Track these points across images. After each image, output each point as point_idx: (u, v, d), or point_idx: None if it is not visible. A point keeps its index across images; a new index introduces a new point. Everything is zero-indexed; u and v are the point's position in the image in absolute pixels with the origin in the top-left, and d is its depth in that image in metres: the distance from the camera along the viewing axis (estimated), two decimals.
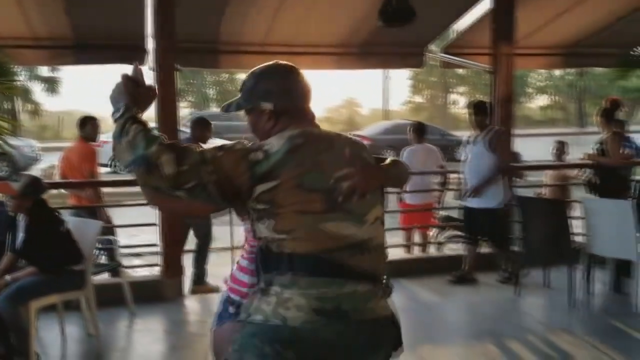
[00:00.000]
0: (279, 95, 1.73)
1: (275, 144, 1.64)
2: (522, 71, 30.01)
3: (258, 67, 1.80)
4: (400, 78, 59.01)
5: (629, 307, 4.58)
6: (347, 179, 1.64)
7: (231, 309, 2.02)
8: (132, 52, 5.39)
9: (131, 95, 1.66)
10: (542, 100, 35.46)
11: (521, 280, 5.02)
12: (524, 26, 5.88)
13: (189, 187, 1.56)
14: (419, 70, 30.82)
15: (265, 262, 1.65)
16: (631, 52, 6.14)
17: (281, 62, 1.80)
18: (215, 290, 4.91)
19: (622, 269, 5.03)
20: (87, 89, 43.91)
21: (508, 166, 5.43)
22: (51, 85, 24.97)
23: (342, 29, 5.98)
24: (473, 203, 5.27)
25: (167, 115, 4.97)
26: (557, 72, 32.06)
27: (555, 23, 6.41)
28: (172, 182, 1.55)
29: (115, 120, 1.62)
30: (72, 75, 46.41)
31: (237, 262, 2.17)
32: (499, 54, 5.70)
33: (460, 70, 30.16)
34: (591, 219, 4.75)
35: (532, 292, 5.06)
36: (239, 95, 1.81)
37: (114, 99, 1.67)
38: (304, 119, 1.75)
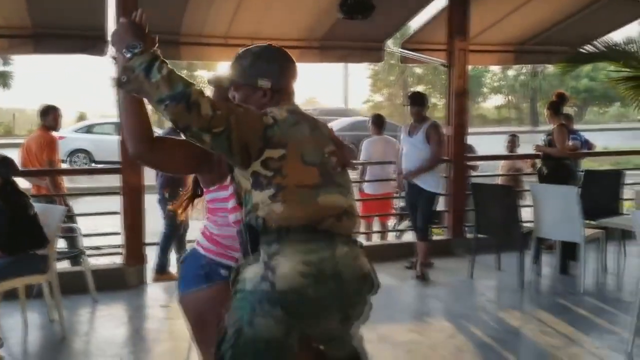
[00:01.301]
0: (276, 75, 1.88)
1: (277, 113, 1.80)
2: (478, 71, 30.79)
3: (254, 46, 1.94)
4: (360, 77, 59.59)
5: (575, 287, 4.87)
6: (335, 154, 1.88)
7: (223, 272, 1.97)
8: (93, 42, 5.39)
9: (140, 37, 1.72)
10: (496, 100, 36.43)
11: (474, 264, 5.26)
12: (477, 23, 6.14)
13: (217, 131, 1.66)
14: (378, 70, 31.23)
15: (256, 232, 1.76)
16: (579, 50, 6.44)
17: (274, 45, 1.96)
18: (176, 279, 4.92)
19: (568, 252, 5.34)
20: (41, 85, 42.58)
21: (442, 159, 5.59)
22: (3, 79, 24.21)
23: (304, 22, 6.10)
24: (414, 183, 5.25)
25: None
26: (511, 73, 33.04)
27: (507, 20, 6.68)
28: (206, 124, 1.65)
29: (133, 56, 1.67)
30: (25, 70, 44.81)
31: (210, 229, 2.08)
32: (454, 49, 5.93)
33: (418, 70, 30.75)
34: (539, 205, 5.02)
35: (484, 275, 5.31)
36: (230, 72, 1.92)
37: (119, 39, 1.73)
38: (291, 98, 1.94)
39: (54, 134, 5.36)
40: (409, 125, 5.45)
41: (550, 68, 33.20)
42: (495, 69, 32.84)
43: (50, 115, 5.23)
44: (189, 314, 2.06)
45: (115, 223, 5.26)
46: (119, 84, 1.70)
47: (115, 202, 5.17)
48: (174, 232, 5.29)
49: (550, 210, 4.96)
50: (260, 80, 1.86)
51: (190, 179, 2.25)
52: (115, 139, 15.71)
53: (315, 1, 5.78)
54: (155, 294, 4.93)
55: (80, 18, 5.28)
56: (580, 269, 4.86)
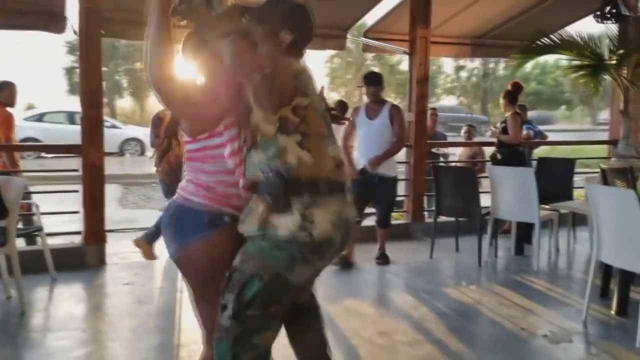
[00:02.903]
0: (299, 34, 1.96)
1: (294, 63, 1.94)
2: (432, 72, 31.37)
3: None
4: (318, 75, 59.52)
5: (530, 266, 5.10)
6: (328, 109, 2.07)
7: (226, 219, 1.94)
8: (51, 18, 5.25)
9: None
10: (449, 101, 37.22)
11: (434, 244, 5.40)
12: (437, 16, 6.29)
13: (266, 72, 1.80)
14: (335, 67, 31.42)
15: (284, 180, 1.83)
16: (533, 44, 6.67)
17: (308, 5, 2.01)
18: (153, 258, 4.84)
19: (524, 235, 5.56)
20: None
21: (405, 143, 5.48)
22: None
23: None
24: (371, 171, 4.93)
25: (92, 86, 4.89)
26: (464, 74, 33.84)
27: (465, 14, 6.87)
28: (260, 63, 1.81)
29: None
30: None
31: (200, 178, 1.99)
32: (416, 37, 6.06)
33: (375, 69, 31.07)
34: (496, 187, 5.20)
35: (443, 256, 5.45)
36: (260, 8, 1.92)
37: None
38: (299, 56, 2.02)
39: (10, 109, 5.18)
40: (365, 107, 5.09)
41: (501, 70, 34.27)
42: (449, 70, 33.60)
43: (5, 90, 5.06)
44: (191, 266, 1.98)
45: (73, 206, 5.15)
46: (176, 11, 1.76)
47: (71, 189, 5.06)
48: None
49: (507, 192, 5.14)
50: (283, 32, 1.92)
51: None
52: (68, 128, 15.61)
53: None
54: (117, 272, 4.83)
55: None
56: (535, 247, 5.06)
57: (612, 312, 3.89)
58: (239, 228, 1.95)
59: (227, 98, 1.95)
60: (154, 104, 31.47)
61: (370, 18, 7.33)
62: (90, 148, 4.90)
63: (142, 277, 4.70)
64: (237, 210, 1.95)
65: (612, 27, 6.50)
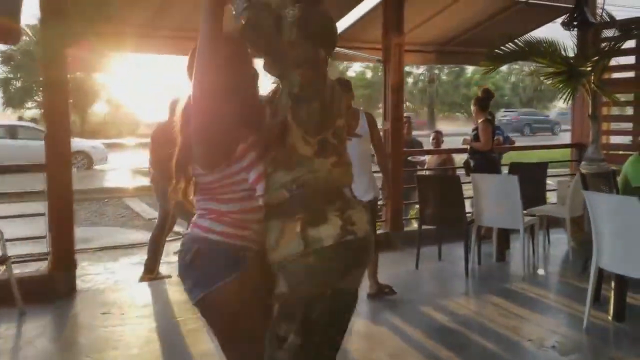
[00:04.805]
0: (332, 46, 1.85)
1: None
2: (379, 79, 31.80)
3: (321, 10, 1.81)
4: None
5: (516, 273, 5.12)
6: None
7: (248, 255, 1.77)
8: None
9: None
10: None
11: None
12: (405, 24, 6.24)
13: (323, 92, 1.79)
14: None
15: (314, 195, 1.75)
16: (496, 50, 6.74)
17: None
18: (166, 277, 4.89)
19: (503, 241, 5.58)
20: None
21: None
22: None
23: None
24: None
25: (56, 100, 4.54)
26: (410, 80, 34.43)
27: (432, 22, 6.89)
28: (323, 79, 1.82)
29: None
30: None
31: (223, 209, 1.80)
32: (390, 45, 5.98)
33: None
34: (479, 194, 5.17)
35: (427, 265, 5.35)
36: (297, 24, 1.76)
37: None
38: None
39: None
40: None
41: (444, 76, 35.14)
42: None
43: None
44: (220, 313, 1.78)
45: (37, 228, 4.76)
46: (244, 36, 1.73)
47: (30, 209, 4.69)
48: (164, 230, 5.12)
49: (490, 199, 5.12)
50: (321, 50, 1.80)
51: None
52: (9, 143, 14.79)
53: None
54: (90, 301, 4.49)
55: None
56: (523, 254, 5.04)
57: (610, 318, 3.90)
58: (270, 256, 1.77)
59: (242, 118, 1.78)
60: (95, 115, 30.23)
61: (339, 25, 7.22)
62: (55, 167, 4.54)
63: (117, 303, 4.37)
64: (257, 238, 1.79)
65: (573, 34, 6.66)
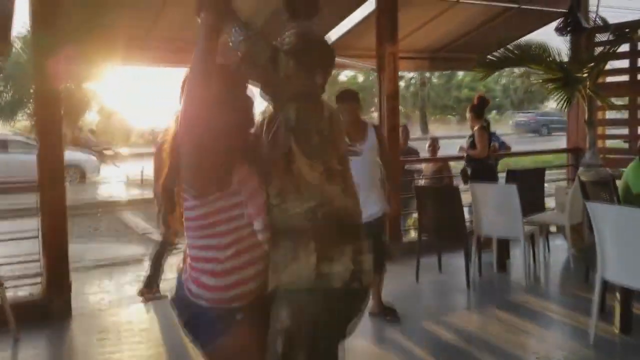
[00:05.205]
0: (329, 71, 1.88)
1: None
2: (370, 82, 31.76)
3: (320, 37, 1.94)
4: None
5: (518, 284, 5.06)
6: None
7: (239, 316, 1.72)
8: None
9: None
10: None
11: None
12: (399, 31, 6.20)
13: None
14: None
15: (332, 229, 1.73)
16: (488, 56, 6.71)
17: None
18: (163, 297, 4.66)
19: (504, 250, 5.52)
20: None
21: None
22: None
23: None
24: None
25: (49, 115, 4.44)
26: (402, 83, 34.45)
27: (425, 29, 6.86)
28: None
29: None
30: None
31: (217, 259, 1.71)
32: (384, 53, 5.93)
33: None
34: (479, 204, 5.11)
35: (428, 277, 5.27)
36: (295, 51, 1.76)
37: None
38: None
39: None
40: None
41: (435, 80, 35.18)
42: None
43: None
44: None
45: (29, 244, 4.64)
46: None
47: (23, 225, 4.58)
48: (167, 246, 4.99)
49: (490, 208, 5.06)
50: (318, 76, 1.81)
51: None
52: (4, 157, 14.58)
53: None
54: (86, 325, 4.38)
55: None
56: (525, 265, 4.98)
57: (616, 330, 3.84)
58: (276, 277, 1.71)
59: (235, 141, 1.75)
60: (86, 125, 30.08)
61: (333, 34, 7.18)
62: (48, 186, 4.44)
63: (114, 327, 4.28)
64: (253, 287, 1.72)
65: (566, 39, 6.64)
